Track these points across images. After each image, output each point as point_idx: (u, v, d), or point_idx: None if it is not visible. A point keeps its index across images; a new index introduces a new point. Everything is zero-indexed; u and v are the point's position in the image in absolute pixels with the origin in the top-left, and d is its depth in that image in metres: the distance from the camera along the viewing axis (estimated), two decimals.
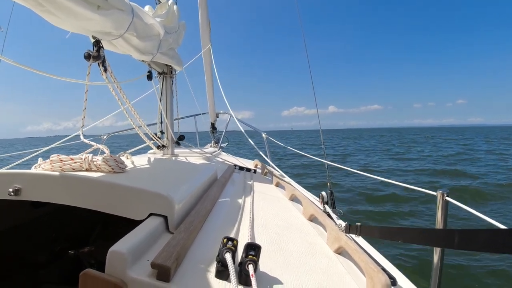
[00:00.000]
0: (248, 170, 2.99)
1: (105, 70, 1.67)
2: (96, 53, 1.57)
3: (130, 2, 1.70)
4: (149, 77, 2.50)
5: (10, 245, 1.86)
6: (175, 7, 2.50)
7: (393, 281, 0.83)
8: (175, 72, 2.96)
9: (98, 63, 1.63)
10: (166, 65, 2.79)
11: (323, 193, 1.87)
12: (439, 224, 1.37)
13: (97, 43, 1.59)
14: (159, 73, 2.82)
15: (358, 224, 1.23)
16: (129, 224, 1.19)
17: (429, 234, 0.92)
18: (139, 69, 2.70)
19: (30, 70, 1.28)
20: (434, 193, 1.49)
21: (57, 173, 1.19)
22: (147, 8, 2.33)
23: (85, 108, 1.59)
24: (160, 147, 2.71)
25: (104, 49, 1.65)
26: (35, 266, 2.03)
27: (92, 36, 1.60)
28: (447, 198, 1.44)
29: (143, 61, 2.37)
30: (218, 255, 0.84)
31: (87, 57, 1.55)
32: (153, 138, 2.59)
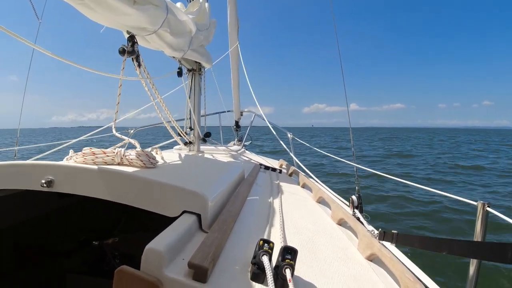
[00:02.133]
0: (274, 170, 2.96)
1: (139, 66, 1.69)
2: (131, 48, 1.58)
3: None
4: (180, 73, 2.52)
5: (36, 234, 1.91)
6: (206, 4, 2.50)
7: None
8: (204, 69, 2.98)
9: (132, 58, 1.65)
10: (196, 62, 2.81)
11: (353, 197, 1.82)
12: (477, 235, 1.30)
13: (132, 39, 1.61)
14: (188, 70, 2.84)
15: (395, 232, 1.18)
16: (154, 219, 1.20)
17: (481, 247, 0.86)
18: (168, 65, 2.73)
19: (67, 62, 1.30)
20: (475, 203, 1.42)
21: (91, 166, 1.20)
22: (178, 5, 2.35)
23: (118, 103, 1.61)
24: (187, 143, 2.73)
25: (138, 45, 1.66)
26: (59, 255, 2.08)
27: (127, 31, 1.61)
28: (488, 209, 1.37)
29: (174, 57, 2.39)
30: (254, 257, 0.81)
31: (122, 52, 1.56)
32: (181, 134, 2.60)
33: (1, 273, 1.71)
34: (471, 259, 1.37)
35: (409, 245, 1.13)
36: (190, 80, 2.86)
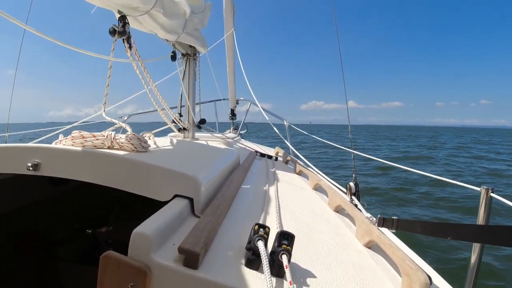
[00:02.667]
0: (270, 157, 2.93)
1: (130, 48, 1.63)
2: (122, 29, 1.52)
3: None
4: (173, 57, 2.45)
5: (28, 222, 1.88)
6: None
7: (430, 280, 0.76)
8: (199, 55, 2.91)
9: (123, 40, 1.59)
10: (190, 46, 2.74)
11: (351, 183, 1.80)
12: (480, 221, 1.29)
13: (123, 19, 1.55)
14: (182, 54, 2.77)
15: (395, 218, 1.15)
16: (148, 205, 1.16)
17: (490, 231, 0.82)
18: (163, 51, 2.66)
19: (58, 43, 1.24)
20: (478, 189, 1.41)
21: (78, 149, 1.16)
22: None
23: (108, 85, 1.56)
24: (181, 129, 2.68)
25: (129, 26, 1.60)
26: (52, 244, 2.05)
27: (118, 11, 1.55)
28: (492, 195, 1.36)
29: (167, 41, 2.32)
30: (249, 243, 0.78)
31: (112, 32, 1.51)
32: (175, 121, 2.55)
33: None
34: (473, 245, 1.36)
35: (410, 230, 1.10)
36: (184, 65, 2.79)
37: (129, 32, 1.59)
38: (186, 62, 2.79)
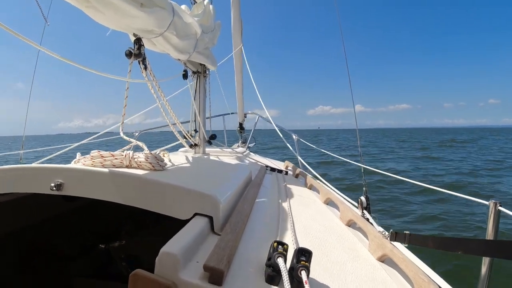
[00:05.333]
0: (280, 171, 2.95)
1: (145, 68, 1.69)
2: (137, 51, 1.58)
3: (171, 1, 1.71)
4: (185, 76, 2.52)
5: (42, 238, 1.91)
6: (211, 6, 2.50)
7: None
8: (209, 72, 2.98)
9: (139, 61, 1.65)
10: (201, 64, 2.81)
11: (362, 198, 1.80)
12: (489, 235, 1.29)
13: (138, 41, 1.61)
14: (193, 72, 2.84)
15: (407, 232, 1.16)
16: (160, 223, 1.18)
17: (499, 246, 0.84)
18: (172, 68, 2.73)
19: (74, 64, 1.29)
20: (486, 203, 1.41)
21: (101, 169, 1.20)
22: (183, 7, 2.35)
23: (125, 105, 1.61)
24: (193, 145, 2.72)
25: (144, 47, 1.66)
26: (66, 259, 2.07)
27: (133, 34, 1.61)
28: (500, 208, 1.36)
29: (179, 60, 2.39)
30: (269, 259, 0.81)
31: (129, 55, 1.56)
32: (186, 136, 2.60)
33: (7, 276, 1.70)
34: (483, 259, 1.36)
35: (422, 245, 1.11)
36: (195, 82, 2.86)
37: (144, 54, 1.65)
38: (197, 80, 2.85)
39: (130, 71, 1.59)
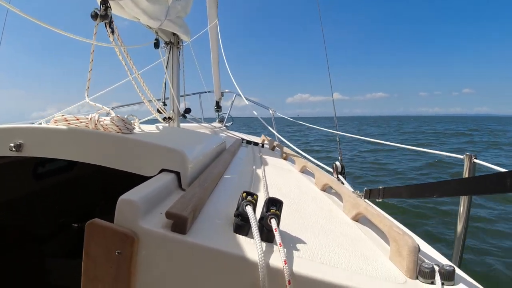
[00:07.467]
0: (256, 144, 2.94)
1: (112, 32, 1.62)
2: (104, 12, 1.51)
3: None
4: (156, 45, 2.43)
5: (12, 218, 1.83)
6: None
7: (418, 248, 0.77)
8: (182, 43, 2.89)
9: (105, 24, 1.57)
10: (174, 34, 2.72)
11: (337, 163, 1.83)
12: None
13: (105, 2, 1.53)
14: (166, 43, 2.74)
15: (380, 187, 1.14)
16: None
17: (476, 182, 0.78)
18: (146, 40, 2.64)
19: (37, 22, 1.21)
20: (461, 157, 1.44)
21: (62, 127, 1.14)
22: None
23: (90, 70, 1.54)
24: (166, 119, 2.66)
25: (111, 10, 1.59)
26: (38, 240, 2.01)
27: None
28: (475, 160, 1.38)
29: (150, 28, 2.30)
30: (237, 209, 0.78)
31: (94, 16, 1.49)
32: (160, 110, 2.53)
33: None
34: (461, 198, 1.37)
35: (397, 196, 1.09)
36: (167, 54, 2.77)
37: (111, 17, 1.58)
38: (170, 51, 2.77)
39: (95, 33, 1.51)
